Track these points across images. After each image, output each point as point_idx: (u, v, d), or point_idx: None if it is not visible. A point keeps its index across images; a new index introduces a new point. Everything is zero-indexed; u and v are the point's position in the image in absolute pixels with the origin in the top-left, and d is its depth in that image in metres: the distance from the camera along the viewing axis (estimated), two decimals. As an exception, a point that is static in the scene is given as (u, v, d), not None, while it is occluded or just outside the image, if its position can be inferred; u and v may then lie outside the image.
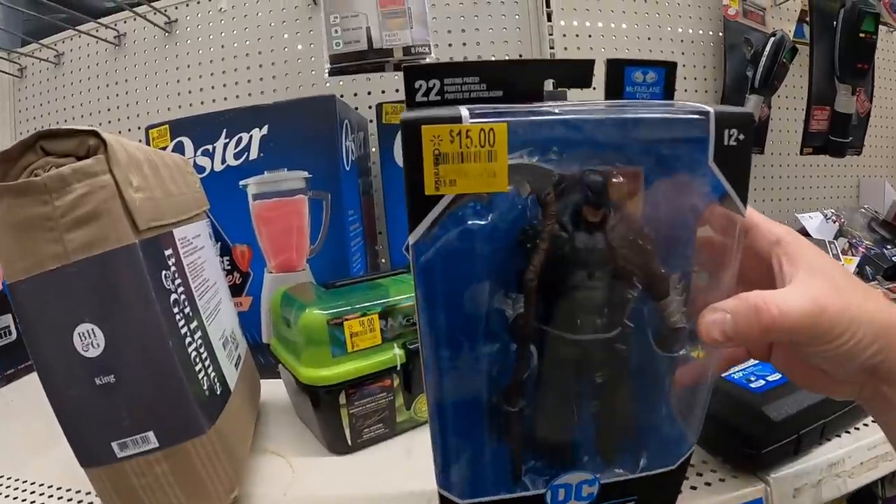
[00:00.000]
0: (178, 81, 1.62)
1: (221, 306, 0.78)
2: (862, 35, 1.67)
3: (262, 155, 1.11)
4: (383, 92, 1.54)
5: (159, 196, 0.64)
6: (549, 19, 1.55)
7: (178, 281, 0.63)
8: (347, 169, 1.14)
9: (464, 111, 0.43)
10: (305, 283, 1.00)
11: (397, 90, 1.54)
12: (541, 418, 0.55)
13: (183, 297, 0.63)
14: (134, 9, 1.57)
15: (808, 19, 1.77)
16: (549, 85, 0.52)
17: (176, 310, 0.60)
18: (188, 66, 1.61)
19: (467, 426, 0.54)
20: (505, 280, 0.50)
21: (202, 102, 1.60)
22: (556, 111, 0.45)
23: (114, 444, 0.56)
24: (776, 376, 0.71)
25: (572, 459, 0.56)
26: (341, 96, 1.46)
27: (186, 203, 0.74)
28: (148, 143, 1.16)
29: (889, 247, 1.78)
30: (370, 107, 1.49)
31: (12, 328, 1.17)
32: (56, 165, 0.53)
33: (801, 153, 1.77)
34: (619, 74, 0.54)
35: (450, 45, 1.55)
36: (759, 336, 0.46)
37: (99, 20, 1.62)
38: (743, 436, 0.67)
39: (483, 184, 0.44)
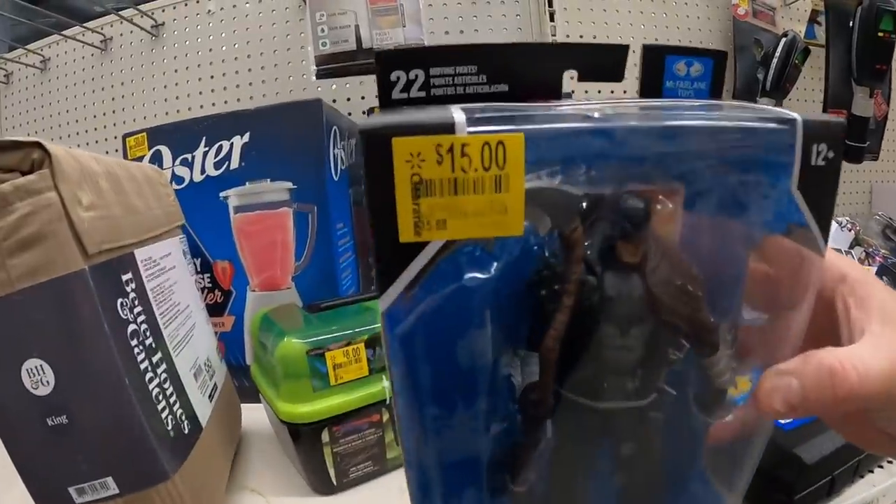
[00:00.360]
0: (164, 87, 1.59)
1: (195, 332, 0.73)
2: (880, 34, 1.62)
3: (243, 164, 1.05)
4: (377, 97, 1.48)
5: (118, 214, 0.58)
6: (552, 19, 1.50)
7: (137, 309, 0.57)
8: (336, 178, 1.08)
9: (457, 114, 0.29)
10: (288, 304, 0.94)
11: (392, 95, 1.48)
12: (552, 497, 0.42)
13: (144, 326, 0.58)
14: (120, 12, 1.54)
15: (819, 19, 1.75)
16: (568, 78, 0.38)
17: (135, 342, 0.55)
18: (175, 70, 1.58)
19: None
20: (511, 332, 0.38)
21: (189, 108, 1.56)
22: (595, 115, 0.32)
23: (71, 490, 0.52)
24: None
25: None
26: (333, 101, 1.44)
27: (155, 219, 0.69)
28: (125, 152, 1.11)
29: (905, 255, 1.74)
30: (364, 112, 1.45)
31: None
32: (-2, 182, 0.48)
33: (817, 158, 1.72)
34: (659, 64, 0.42)
35: (448, 46, 1.50)
36: (831, 407, 0.36)
37: (85, 24, 1.59)
38: (774, 480, 0.62)
39: (487, 225, 0.30)
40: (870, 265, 1.60)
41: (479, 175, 0.29)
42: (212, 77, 1.54)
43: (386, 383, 0.71)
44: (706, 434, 0.43)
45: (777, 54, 1.71)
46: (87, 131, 1.65)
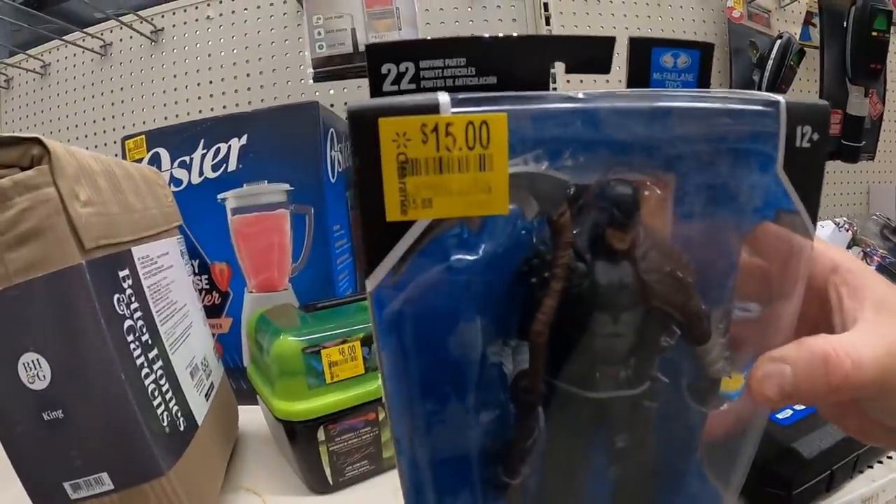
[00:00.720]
0: (164, 92, 1.59)
1: (191, 331, 0.73)
2: (874, 34, 1.64)
3: (241, 166, 1.05)
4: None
5: (115, 211, 0.58)
6: (548, 23, 1.51)
7: (134, 305, 0.58)
8: (333, 181, 1.08)
9: (442, 97, 0.30)
10: (285, 304, 0.94)
11: (389, 98, 1.48)
12: (547, 488, 0.42)
13: (140, 323, 0.58)
14: (120, 18, 1.54)
15: (813, 21, 1.75)
16: (557, 70, 0.39)
17: (131, 337, 0.55)
18: (174, 75, 1.58)
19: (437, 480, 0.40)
20: (501, 322, 0.38)
21: (188, 113, 1.57)
22: (580, 95, 0.33)
23: (66, 485, 0.51)
24: (804, 404, 0.65)
25: None
26: (331, 105, 1.44)
27: (152, 219, 0.69)
28: (124, 154, 1.11)
29: (903, 255, 1.74)
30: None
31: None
32: (-3, 177, 0.48)
33: (813, 159, 1.72)
34: (646, 57, 0.42)
35: (445, 49, 1.50)
36: (825, 395, 0.36)
37: (85, 30, 1.59)
38: (772, 476, 0.61)
39: (472, 204, 0.31)
40: (868, 265, 1.60)
41: (463, 154, 0.30)
42: (210, 82, 1.54)
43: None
44: (701, 427, 0.44)
45: (772, 56, 1.71)
46: (86, 136, 1.65)
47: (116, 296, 0.54)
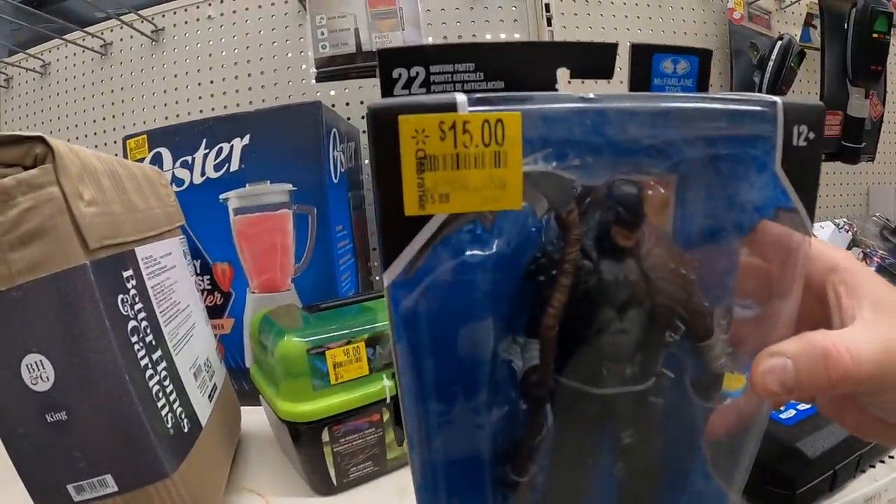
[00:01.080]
0: (164, 92, 1.59)
1: (194, 332, 0.73)
2: (875, 35, 1.64)
3: (243, 166, 1.05)
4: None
5: (119, 211, 0.58)
6: (549, 24, 1.51)
7: (138, 306, 0.57)
8: (335, 181, 1.08)
9: (460, 97, 0.31)
10: (288, 305, 0.94)
11: (391, 98, 1.48)
12: (554, 486, 0.43)
13: (144, 323, 0.58)
14: (121, 17, 1.53)
15: (814, 23, 1.76)
16: (562, 76, 0.40)
17: (135, 338, 0.55)
18: (175, 75, 1.58)
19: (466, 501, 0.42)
20: (510, 321, 0.39)
21: (189, 113, 1.56)
22: (591, 95, 0.34)
23: (69, 487, 0.51)
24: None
25: None
26: (333, 105, 1.44)
27: (155, 219, 0.69)
28: (126, 154, 1.11)
29: (903, 256, 1.74)
30: (363, 116, 1.43)
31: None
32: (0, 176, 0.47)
33: (814, 160, 1.72)
34: (647, 63, 0.43)
35: (446, 50, 1.51)
36: (825, 389, 0.36)
37: (86, 29, 1.59)
38: (775, 475, 0.61)
39: (488, 199, 0.32)
40: (868, 266, 1.61)
41: (479, 151, 0.31)
42: (212, 82, 1.54)
43: (386, 382, 0.71)
44: (704, 426, 0.44)
45: (773, 57, 1.72)
46: (86, 136, 1.65)
47: (120, 296, 0.54)
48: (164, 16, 1.57)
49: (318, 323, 0.75)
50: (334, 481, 0.72)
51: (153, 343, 0.58)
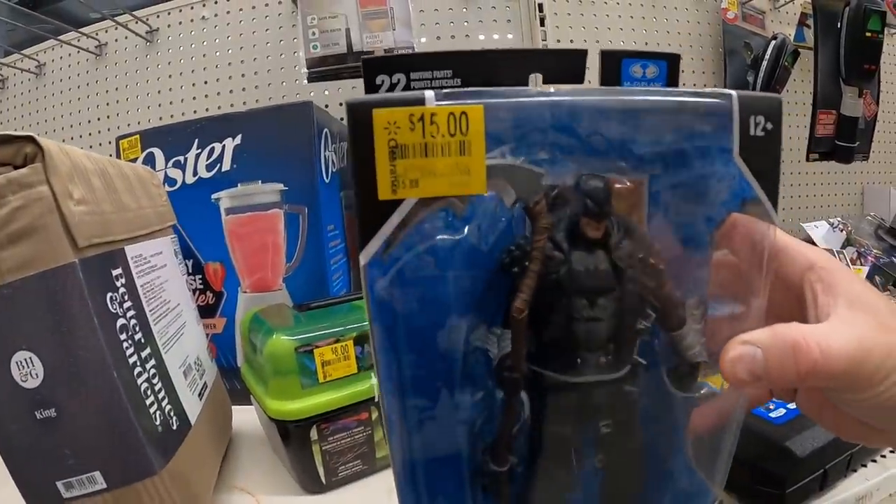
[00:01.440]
0: (159, 92, 1.60)
1: (185, 330, 0.74)
2: (868, 34, 1.65)
3: (235, 166, 1.05)
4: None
5: (109, 210, 0.59)
6: (542, 24, 1.51)
7: (127, 304, 0.58)
8: (327, 181, 1.08)
9: (428, 93, 0.33)
10: (279, 304, 0.94)
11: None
12: (534, 478, 0.44)
13: (133, 321, 0.58)
14: (115, 18, 1.54)
15: (808, 22, 1.76)
16: (536, 80, 0.43)
17: (124, 336, 0.55)
18: (169, 75, 1.59)
19: (445, 491, 0.43)
20: (487, 313, 0.41)
21: (183, 113, 1.57)
22: (551, 90, 0.36)
23: (59, 484, 0.52)
24: (799, 403, 0.66)
25: None
26: (326, 105, 1.44)
27: (146, 218, 0.69)
28: (119, 154, 1.12)
29: (897, 255, 1.75)
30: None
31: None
32: (-10, 175, 0.48)
33: (808, 159, 1.75)
34: (616, 68, 0.47)
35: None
36: (794, 381, 0.37)
37: (80, 30, 1.60)
38: (765, 474, 0.62)
39: (454, 184, 0.34)
40: (862, 265, 1.61)
41: (445, 140, 0.33)
42: (205, 82, 1.55)
43: (374, 380, 0.72)
44: (686, 422, 0.45)
45: (767, 57, 1.72)
46: (81, 136, 1.65)
47: (109, 294, 0.55)
48: (158, 17, 1.58)
49: (307, 322, 0.75)
50: (323, 480, 0.73)
51: (142, 341, 0.59)
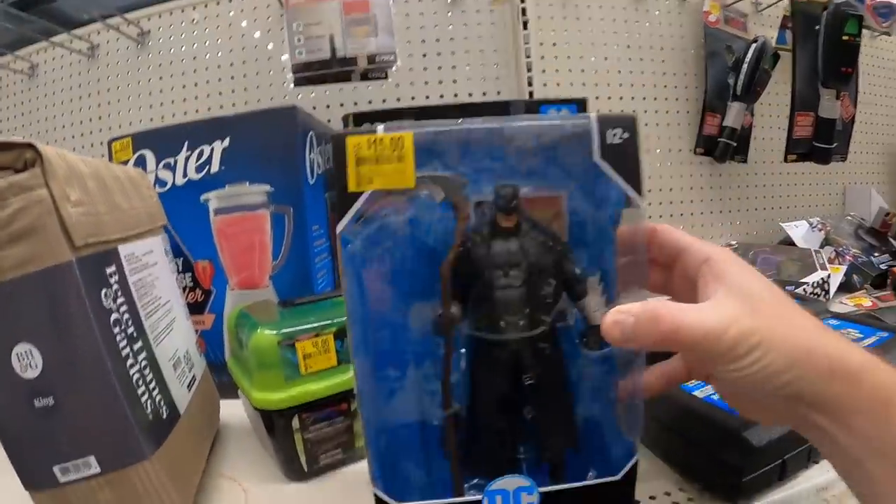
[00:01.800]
0: (150, 94, 1.62)
1: (174, 325, 0.76)
2: (845, 38, 1.68)
3: (223, 168, 1.08)
4: (356, 104, 1.54)
5: (103, 211, 0.61)
6: (525, 27, 1.54)
7: (120, 300, 0.60)
8: (312, 182, 1.11)
9: (380, 127, 0.50)
10: (265, 300, 0.96)
11: (370, 101, 1.53)
12: (475, 422, 0.56)
13: (126, 316, 0.61)
14: (107, 20, 1.56)
15: (790, 25, 1.77)
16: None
17: (117, 330, 0.58)
18: (160, 77, 1.61)
19: (399, 426, 0.56)
20: (430, 289, 0.53)
21: (174, 115, 1.60)
22: (460, 121, 0.51)
23: (55, 469, 0.54)
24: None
25: (510, 467, 0.56)
26: (313, 108, 1.47)
27: (137, 218, 0.72)
28: (111, 156, 1.14)
29: (877, 254, 1.78)
30: (343, 117, 1.45)
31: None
32: (-9, 179, 0.51)
33: (786, 160, 1.78)
34: (536, 112, 0.66)
35: (424, 54, 1.55)
36: (655, 343, 0.48)
37: (73, 32, 1.61)
38: (722, 463, 0.64)
39: (394, 180, 0.50)
40: (840, 264, 1.63)
41: (389, 154, 0.50)
42: (196, 84, 1.57)
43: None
44: (613, 383, 0.56)
45: (747, 60, 1.74)
46: (73, 137, 1.67)
47: (104, 290, 0.57)
48: (149, 19, 1.60)
49: (290, 317, 0.77)
50: (305, 467, 0.75)
51: (134, 335, 0.61)
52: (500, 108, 0.64)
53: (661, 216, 1.81)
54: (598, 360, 0.56)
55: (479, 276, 0.53)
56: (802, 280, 1.47)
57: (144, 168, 1.10)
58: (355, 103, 1.53)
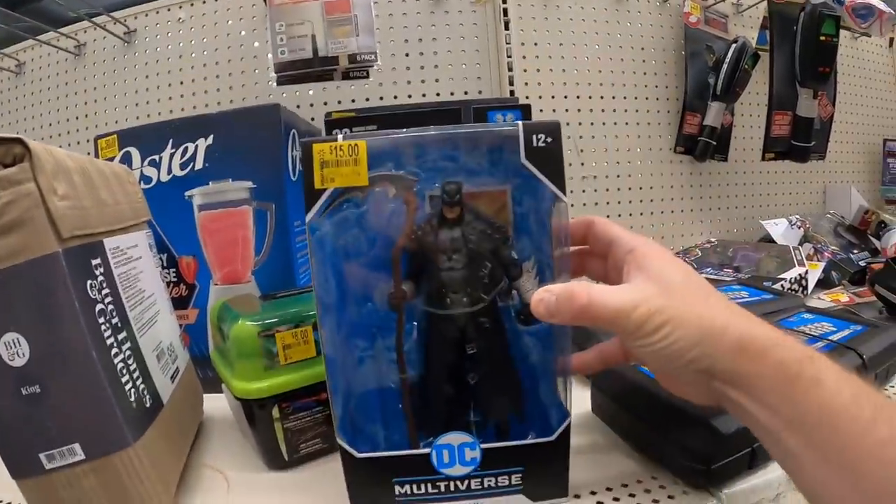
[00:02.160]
0: (136, 92, 1.63)
1: (158, 318, 0.78)
2: (822, 38, 1.69)
3: (207, 165, 1.10)
4: (339, 102, 1.56)
5: (89, 205, 0.63)
6: (507, 28, 1.55)
7: (105, 291, 0.62)
8: (294, 179, 1.12)
9: (340, 136, 0.60)
10: (247, 294, 0.98)
11: (353, 100, 1.55)
12: (428, 385, 0.64)
13: (111, 307, 0.62)
14: (94, 19, 1.57)
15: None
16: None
17: (102, 320, 0.59)
18: (147, 76, 1.62)
19: (361, 388, 0.64)
20: (386, 270, 0.62)
21: (159, 113, 1.60)
22: (405, 130, 0.60)
23: (41, 456, 0.55)
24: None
25: (460, 428, 0.63)
26: (297, 107, 1.48)
27: (122, 213, 0.73)
28: (97, 153, 1.15)
29: (856, 251, 1.80)
30: (326, 115, 1.47)
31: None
32: (-19, 174, 0.52)
33: (764, 158, 1.79)
34: (484, 117, 0.74)
35: (407, 54, 1.57)
36: (574, 318, 0.54)
37: (60, 30, 1.62)
38: (691, 450, 0.65)
39: (352, 180, 0.59)
40: (818, 260, 1.66)
41: (347, 158, 0.59)
42: (181, 83, 1.58)
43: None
44: (544, 352, 0.64)
45: (727, 60, 1.76)
46: (60, 134, 1.67)
47: (89, 282, 0.59)
48: (136, 18, 1.61)
49: (271, 309, 0.79)
50: (286, 456, 0.76)
51: (119, 325, 0.63)
52: (454, 113, 0.77)
53: (641, 213, 1.83)
54: (536, 336, 0.64)
55: (428, 260, 0.61)
56: (780, 276, 1.49)
57: (130, 165, 1.12)
58: (339, 102, 1.55)
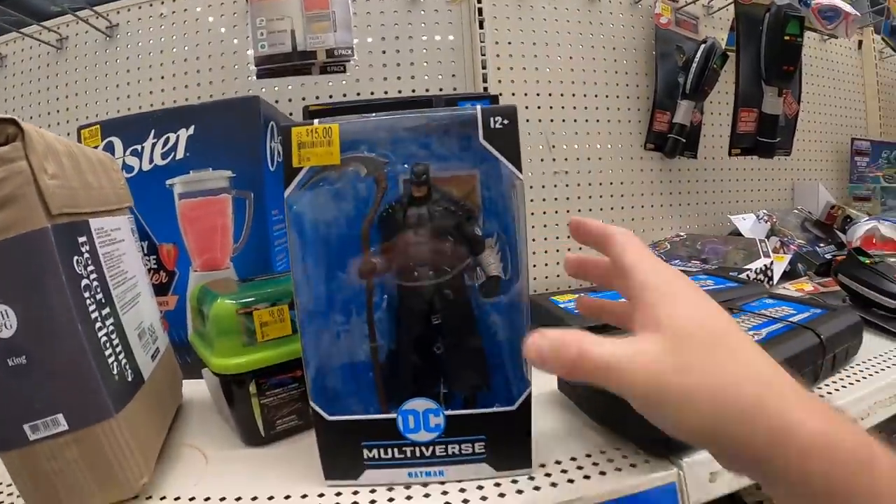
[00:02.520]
0: (117, 86, 1.64)
1: (139, 300, 0.80)
2: (787, 38, 1.74)
3: (188, 155, 1.12)
4: (317, 97, 1.58)
5: (76, 186, 0.65)
6: (481, 27, 1.58)
7: (91, 268, 0.64)
8: (272, 169, 1.16)
9: (316, 121, 0.64)
10: (225, 278, 1.01)
11: (331, 96, 1.58)
12: (397, 353, 0.68)
13: (95, 283, 0.65)
14: (76, 12, 1.59)
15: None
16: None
17: (87, 294, 0.62)
18: (128, 70, 1.63)
19: (333, 355, 0.68)
20: (357, 244, 0.66)
21: (140, 107, 1.62)
22: (374, 115, 0.65)
23: (26, 427, 0.58)
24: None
25: (429, 396, 0.67)
26: (276, 101, 1.50)
27: (106, 196, 0.75)
28: (80, 143, 1.15)
29: (822, 245, 1.85)
30: (304, 108, 1.49)
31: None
32: (-26, 153, 0.54)
33: (730, 154, 1.84)
34: (455, 105, 0.71)
35: (383, 51, 1.60)
36: (560, 370, 0.52)
37: (42, 23, 1.63)
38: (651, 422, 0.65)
39: (325, 159, 0.64)
40: (784, 253, 1.70)
41: (322, 139, 0.64)
42: (162, 77, 1.60)
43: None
44: (508, 325, 0.67)
45: (696, 59, 1.80)
46: (41, 127, 1.65)
47: (76, 258, 0.61)
48: (118, 12, 1.62)
49: (249, 289, 0.81)
50: (262, 433, 0.79)
51: (103, 301, 0.65)
52: (426, 104, 0.79)
53: (612, 208, 1.86)
54: (498, 309, 0.66)
55: (396, 234, 0.65)
56: (746, 266, 1.53)
57: (113, 154, 1.14)
58: (317, 97, 1.57)
